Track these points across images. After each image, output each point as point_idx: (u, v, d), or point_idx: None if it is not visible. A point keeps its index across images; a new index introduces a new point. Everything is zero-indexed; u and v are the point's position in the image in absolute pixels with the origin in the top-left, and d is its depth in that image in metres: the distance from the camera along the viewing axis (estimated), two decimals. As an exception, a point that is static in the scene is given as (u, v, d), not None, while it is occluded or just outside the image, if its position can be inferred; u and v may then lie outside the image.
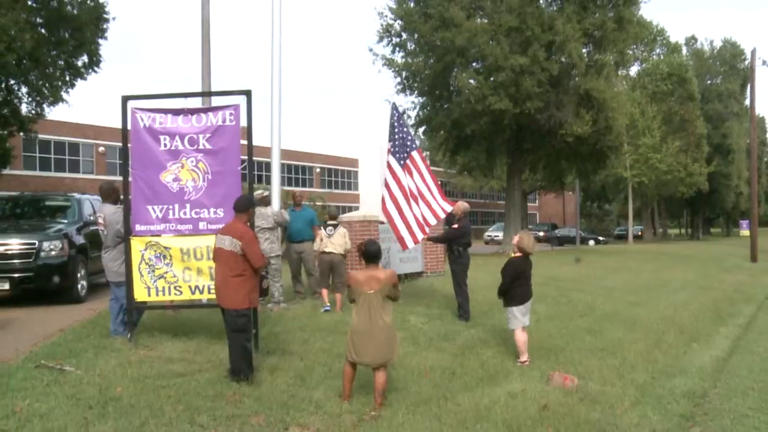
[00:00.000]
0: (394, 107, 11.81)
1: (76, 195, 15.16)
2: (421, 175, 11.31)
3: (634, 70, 58.59)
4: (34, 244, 12.17)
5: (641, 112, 54.92)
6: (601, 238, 60.68)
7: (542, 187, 57.81)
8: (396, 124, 11.39)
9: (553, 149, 33.29)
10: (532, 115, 29.18)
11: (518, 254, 8.57)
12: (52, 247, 12.28)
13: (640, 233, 67.41)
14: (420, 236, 10.93)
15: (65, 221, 13.77)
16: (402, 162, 11.20)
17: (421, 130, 34.59)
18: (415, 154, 11.39)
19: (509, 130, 30.87)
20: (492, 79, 28.34)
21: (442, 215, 11.40)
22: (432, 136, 36.47)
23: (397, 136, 11.29)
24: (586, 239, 56.73)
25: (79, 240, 13.18)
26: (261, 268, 7.15)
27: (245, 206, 7.28)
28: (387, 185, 11.06)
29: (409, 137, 11.52)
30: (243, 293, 6.89)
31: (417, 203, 11.10)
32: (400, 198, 10.90)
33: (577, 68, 29.48)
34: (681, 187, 58.07)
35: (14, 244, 12.16)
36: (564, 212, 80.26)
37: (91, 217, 13.63)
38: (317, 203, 40.87)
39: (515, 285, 8.43)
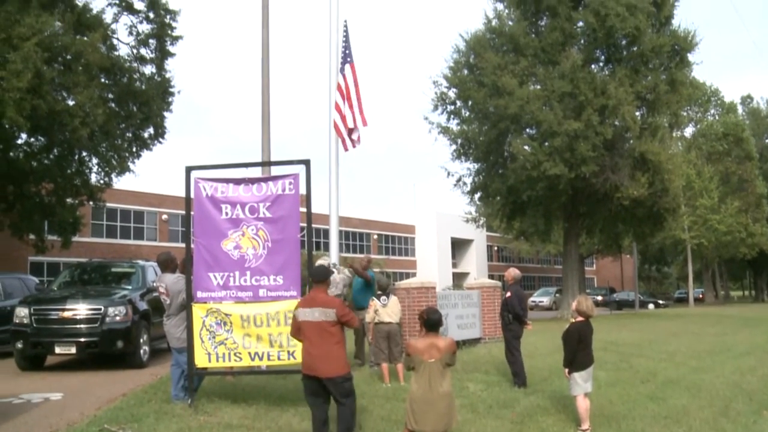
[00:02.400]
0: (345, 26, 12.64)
1: (141, 262, 15.66)
2: (356, 86, 12.19)
3: (689, 131, 58.09)
4: (100, 309, 12.56)
5: (698, 173, 54.13)
6: (660, 302, 59.19)
7: (599, 250, 57.04)
8: (344, 41, 12.49)
9: (609, 212, 33.00)
10: (587, 179, 29.11)
11: (579, 319, 8.49)
12: (116, 312, 12.65)
13: (700, 296, 65.56)
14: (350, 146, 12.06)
15: (129, 287, 14.16)
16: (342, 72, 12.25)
17: (476, 196, 34.72)
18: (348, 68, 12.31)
19: (565, 194, 30.79)
20: (546, 144, 28.47)
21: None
22: (488, 202, 36.53)
23: (345, 51, 12.33)
24: (646, 303, 55.41)
25: (143, 306, 13.53)
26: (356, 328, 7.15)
27: (325, 276, 7.29)
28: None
29: (349, 50, 12.41)
30: (343, 358, 6.96)
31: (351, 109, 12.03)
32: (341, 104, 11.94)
33: (631, 131, 29.44)
34: (742, 248, 56.60)
35: (81, 309, 12.59)
36: (622, 276, 78.69)
37: (154, 284, 13.99)
38: (375, 270, 40.99)
39: (577, 350, 8.34)
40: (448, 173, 34.03)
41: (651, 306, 55.32)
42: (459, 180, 34.01)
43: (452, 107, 32.21)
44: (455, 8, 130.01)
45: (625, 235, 42.08)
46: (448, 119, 32.49)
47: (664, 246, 60.73)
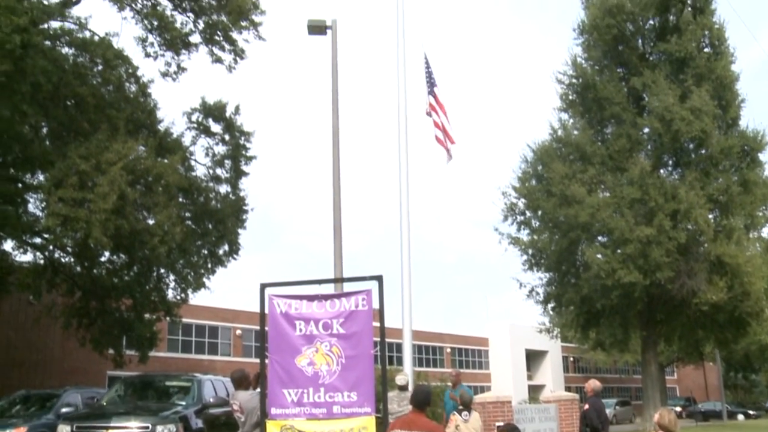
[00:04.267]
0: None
1: (198, 376, 15.33)
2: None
3: (766, 231, 56.35)
4: (148, 427, 11.99)
5: (780, 273, 52.01)
6: (751, 412, 55.91)
7: (680, 358, 54.80)
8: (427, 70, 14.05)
9: (687, 319, 31.86)
10: (663, 285, 28.40)
11: (661, 433, 8.18)
12: (165, 431, 12.05)
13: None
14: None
15: (183, 403, 13.67)
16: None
17: (549, 306, 34.19)
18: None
19: (641, 302, 30.05)
20: (619, 251, 28.08)
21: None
22: (561, 312, 35.88)
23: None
24: (734, 413, 52.48)
25: (196, 424, 12.98)
26: None
27: (426, 401, 7.23)
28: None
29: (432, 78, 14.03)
30: None
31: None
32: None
33: (705, 235, 28.78)
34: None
35: (127, 427, 12.03)
36: (706, 384, 75.11)
37: (212, 399, 13.66)
38: (448, 383, 40.27)
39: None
40: (520, 284, 33.73)
41: (740, 417, 52.35)
42: (531, 290, 33.62)
43: (522, 217, 32.26)
44: (521, 118, 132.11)
45: (707, 342, 40.36)
46: (519, 229, 32.51)
47: (749, 352, 57.84)
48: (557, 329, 42.35)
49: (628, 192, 28.27)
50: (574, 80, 32.62)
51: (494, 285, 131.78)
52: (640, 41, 32.33)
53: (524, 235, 32.42)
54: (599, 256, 28.53)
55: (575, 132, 31.99)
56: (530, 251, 31.91)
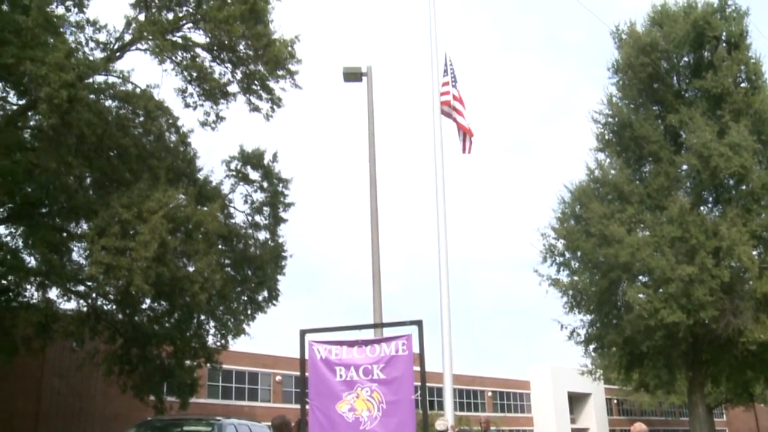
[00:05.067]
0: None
1: (219, 419, 14.93)
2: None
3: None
4: None
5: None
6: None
7: (728, 400, 53.33)
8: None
9: (735, 359, 31.07)
10: (707, 324, 27.83)
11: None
12: None
13: None
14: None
15: None
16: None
17: (591, 347, 33.66)
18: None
19: (685, 342, 29.43)
20: (661, 291, 27.64)
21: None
22: (604, 354, 35.28)
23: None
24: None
25: None
26: None
27: None
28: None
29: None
30: None
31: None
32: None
33: (749, 272, 28.18)
34: None
35: None
36: (757, 426, 72.79)
37: None
38: (491, 428, 39.67)
39: None
40: (561, 325, 33.31)
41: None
42: (572, 332, 33.16)
43: (561, 258, 31.99)
44: (556, 158, 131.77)
45: (756, 383, 39.28)
46: (558, 271, 32.20)
47: (802, 391, 56.29)
48: (600, 371, 41.61)
49: (668, 230, 27.91)
50: (610, 119, 32.57)
51: (534, 327, 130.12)
52: (675, 78, 32.22)
53: (564, 276, 32.12)
54: (641, 295, 28.10)
55: (612, 171, 31.80)
56: (570, 292, 31.57)
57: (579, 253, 30.83)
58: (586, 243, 29.60)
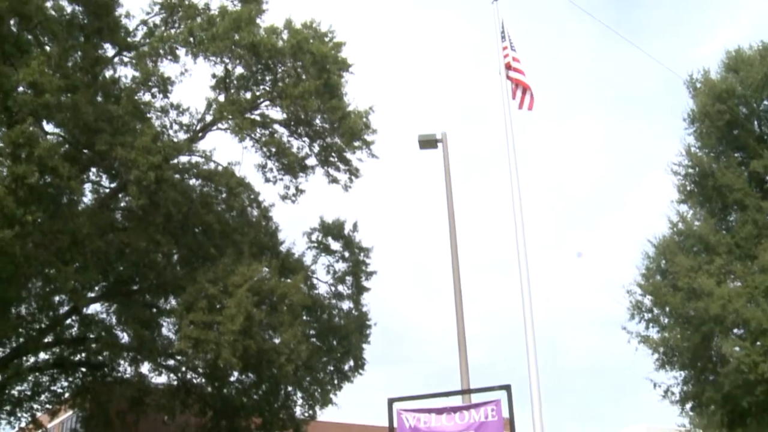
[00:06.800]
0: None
1: None
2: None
3: None
4: None
5: None
6: None
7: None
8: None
9: None
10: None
11: None
12: None
13: None
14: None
15: None
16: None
17: (688, 406, 32.27)
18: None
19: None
20: (759, 343, 26.45)
21: None
22: (702, 413, 33.71)
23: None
24: None
25: None
26: None
27: None
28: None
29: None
30: None
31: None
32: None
33: None
34: None
35: None
36: None
37: None
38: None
39: None
40: (654, 384, 32.07)
41: None
42: (667, 390, 31.85)
43: (649, 315, 31.03)
44: (636, 211, 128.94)
45: None
46: (647, 327, 31.23)
47: None
48: (699, 430, 39.77)
49: (761, 280, 26.83)
50: (690, 170, 31.83)
51: (626, 386, 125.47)
52: (756, 123, 31.44)
53: (653, 332, 31.12)
54: (737, 349, 26.94)
55: (697, 223, 30.95)
56: (661, 349, 30.51)
57: (668, 309, 29.90)
58: (674, 297, 28.66)
